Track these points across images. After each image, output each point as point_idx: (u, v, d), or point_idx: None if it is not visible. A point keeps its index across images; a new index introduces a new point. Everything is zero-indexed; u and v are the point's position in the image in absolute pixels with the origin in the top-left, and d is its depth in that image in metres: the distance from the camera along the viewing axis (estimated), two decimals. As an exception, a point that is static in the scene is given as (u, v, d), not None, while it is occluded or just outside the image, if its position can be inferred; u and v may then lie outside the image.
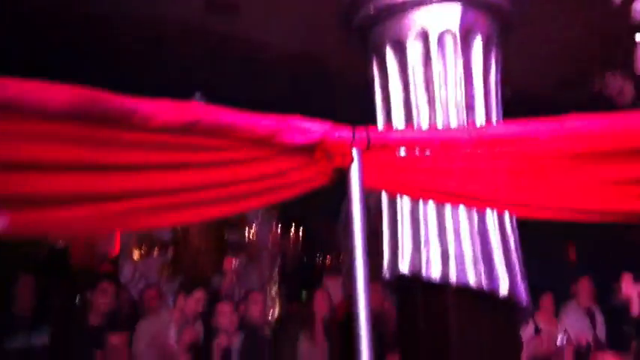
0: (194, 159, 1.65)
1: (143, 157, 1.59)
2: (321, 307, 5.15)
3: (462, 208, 2.59)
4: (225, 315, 4.91)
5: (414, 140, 1.70)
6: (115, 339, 3.91)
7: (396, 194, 2.30)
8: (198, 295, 4.99)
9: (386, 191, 2.17)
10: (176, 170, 1.64)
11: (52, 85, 1.39)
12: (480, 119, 2.56)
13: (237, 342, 4.88)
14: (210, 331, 4.85)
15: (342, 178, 1.76)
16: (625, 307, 6.06)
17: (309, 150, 1.71)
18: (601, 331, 5.62)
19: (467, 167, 1.67)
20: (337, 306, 6.58)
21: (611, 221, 1.67)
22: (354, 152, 1.73)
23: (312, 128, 1.68)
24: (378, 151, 1.77)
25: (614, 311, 6.02)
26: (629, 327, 5.24)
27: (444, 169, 1.72)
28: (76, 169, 1.50)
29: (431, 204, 2.63)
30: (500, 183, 1.62)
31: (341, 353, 4.85)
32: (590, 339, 4.42)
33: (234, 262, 10.58)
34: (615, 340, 4.85)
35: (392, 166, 1.78)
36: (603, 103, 1.70)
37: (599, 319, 5.82)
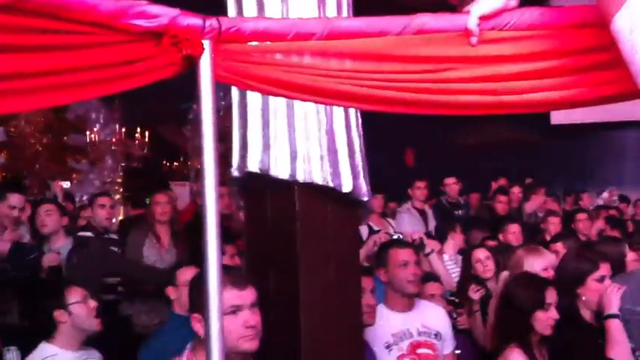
0: (25, 42, 1.49)
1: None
2: (162, 210, 5.05)
3: (311, 107, 2.62)
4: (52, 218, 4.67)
5: (268, 31, 1.66)
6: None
7: (247, 90, 2.26)
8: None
9: (237, 86, 2.13)
10: (3, 54, 1.48)
11: None
12: (332, 15, 2.55)
13: (66, 247, 4.66)
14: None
15: (191, 75, 1.70)
16: (453, 205, 6.74)
17: (156, 37, 1.61)
18: (432, 226, 6.22)
19: (318, 62, 1.67)
20: (183, 210, 6.53)
21: (456, 115, 1.76)
22: (205, 43, 1.66)
23: (159, 13, 1.58)
24: (229, 42, 1.71)
25: (444, 210, 6.67)
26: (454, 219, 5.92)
27: (296, 63, 1.70)
28: None
29: (281, 103, 2.63)
30: (351, 78, 1.64)
31: (189, 257, 4.85)
32: (422, 235, 4.89)
33: (63, 184, 10.04)
34: (443, 234, 5.38)
35: (244, 58, 1.73)
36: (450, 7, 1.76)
37: (431, 217, 6.42)
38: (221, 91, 2.85)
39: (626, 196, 8.57)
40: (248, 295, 2.08)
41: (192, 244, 4.82)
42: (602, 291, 3.08)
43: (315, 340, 2.73)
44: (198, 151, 1.68)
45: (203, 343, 1.75)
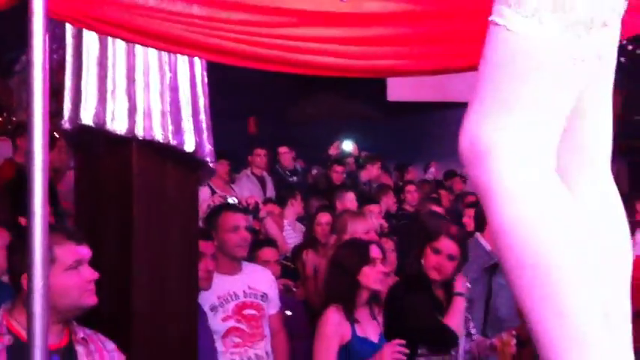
0: None
1: None
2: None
3: (154, 60, 2.49)
4: None
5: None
6: None
7: (85, 29, 2.08)
8: None
9: (73, 25, 1.95)
10: None
11: None
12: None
13: None
14: None
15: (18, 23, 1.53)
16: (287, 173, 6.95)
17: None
18: (270, 193, 6.34)
19: (165, 5, 1.57)
20: (1, 167, 6.01)
21: (301, 73, 1.74)
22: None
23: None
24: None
25: (279, 177, 6.84)
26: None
27: (137, 5, 1.59)
28: None
29: (121, 53, 2.47)
30: (197, 26, 1.56)
31: (9, 218, 4.48)
32: (259, 200, 4.96)
33: None
34: (283, 201, 5.51)
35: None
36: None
37: (269, 184, 6.54)
38: (54, 44, 2.63)
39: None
40: (86, 249, 2.03)
41: (12, 202, 4.45)
42: (434, 263, 3.17)
43: (149, 302, 2.64)
44: (23, 105, 1.54)
45: (22, 302, 1.63)
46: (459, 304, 3.14)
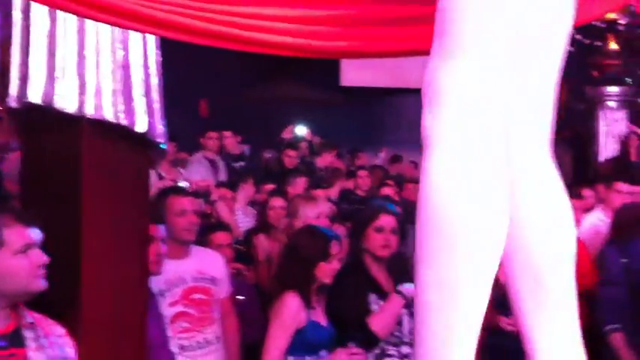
0: None
1: None
2: None
3: (105, 37, 2.42)
4: None
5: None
6: None
7: (36, 2, 2.01)
8: None
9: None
10: None
11: None
12: None
13: None
14: None
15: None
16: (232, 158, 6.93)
17: None
18: (222, 176, 6.32)
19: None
20: None
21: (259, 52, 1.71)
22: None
23: None
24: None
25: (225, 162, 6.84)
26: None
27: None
28: None
29: (71, 30, 2.39)
30: (154, 1, 1.51)
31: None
32: (211, 184, 4.93)
33: None
34: (233, 182, 5.53)
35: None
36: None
37: (221, 167, 6.51)
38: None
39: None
40: (36, 233, 1.98)
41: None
42: (381, 241, 3.25)
43: (99, 287, 2.58)
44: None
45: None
46: (395, 303, 3.11)
